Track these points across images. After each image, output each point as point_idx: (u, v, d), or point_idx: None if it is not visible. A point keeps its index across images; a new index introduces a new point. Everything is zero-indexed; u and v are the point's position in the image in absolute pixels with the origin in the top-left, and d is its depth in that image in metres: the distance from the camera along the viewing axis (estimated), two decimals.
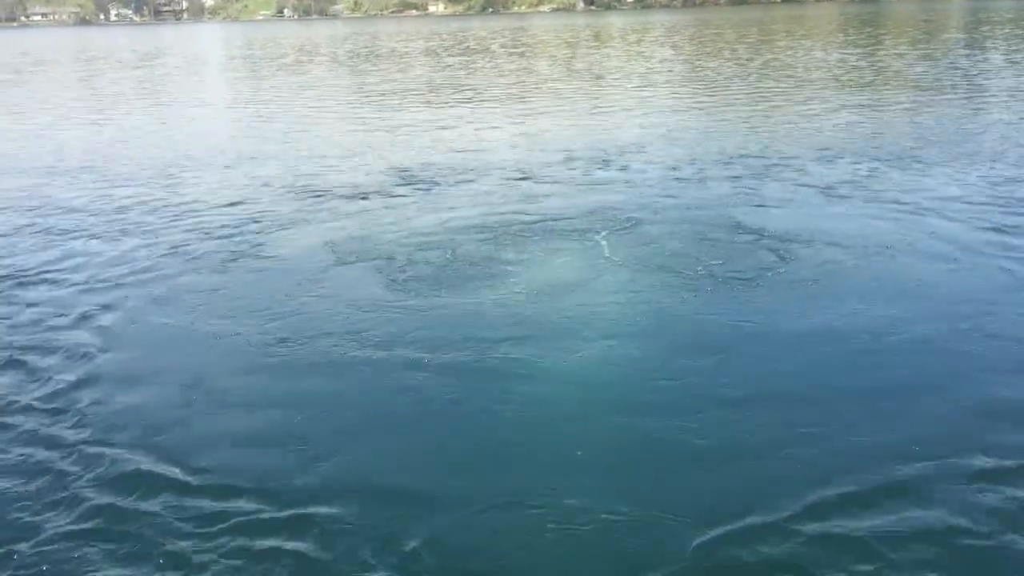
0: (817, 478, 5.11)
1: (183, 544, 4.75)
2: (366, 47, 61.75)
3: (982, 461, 5.25)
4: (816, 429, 5.68)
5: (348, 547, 4.68)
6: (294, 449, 5.65)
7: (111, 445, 5.78)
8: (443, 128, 19.67)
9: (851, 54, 37.52)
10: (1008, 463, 5.23)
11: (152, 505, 5.10)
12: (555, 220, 10.73)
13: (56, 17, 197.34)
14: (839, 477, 5.11)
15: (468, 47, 56.51)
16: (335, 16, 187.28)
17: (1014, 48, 37.17)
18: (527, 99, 25.71)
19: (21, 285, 9.18)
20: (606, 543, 4.64)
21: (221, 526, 4.88)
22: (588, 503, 4.96)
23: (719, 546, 4.58)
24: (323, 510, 4.98)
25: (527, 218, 10.98)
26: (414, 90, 29.38)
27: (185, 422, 6.08)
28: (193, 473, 5.41)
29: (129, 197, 13.24)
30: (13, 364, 7.13)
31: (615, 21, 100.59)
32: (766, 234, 9.82)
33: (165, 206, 12.54)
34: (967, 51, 36.40)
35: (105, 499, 5.18)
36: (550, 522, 4.81)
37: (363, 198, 12.58)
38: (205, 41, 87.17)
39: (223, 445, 5.76)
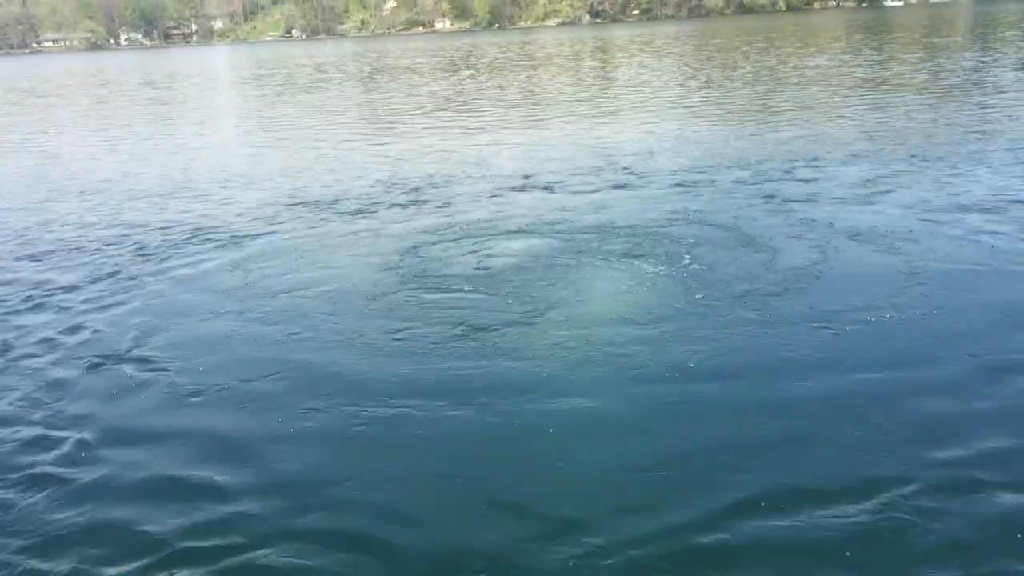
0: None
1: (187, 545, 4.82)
2: (374, 65, 62.10)
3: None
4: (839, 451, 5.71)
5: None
6: (298, 477, 5.72)
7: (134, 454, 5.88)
8: (453, 143, 19.81)
9: (860, 60, 37.49)
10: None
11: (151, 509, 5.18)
12: (572, 232, 10.78)
13: (67, 43, 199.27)
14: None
15: (477, 62, 56.75)
16: (343, 35, 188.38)
17: (1020, 51, 37.07)
18: (537, 113, 25.83)
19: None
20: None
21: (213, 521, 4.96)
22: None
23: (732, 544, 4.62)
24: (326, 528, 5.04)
25: (545, 229, 11.05)
26: (425, 106, 29.56)
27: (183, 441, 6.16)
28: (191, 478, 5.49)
29: (138, 216, 13.43)
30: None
31: (621, 33, 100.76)
32: (787, 240, 9.87)
33: (180, 226, 12.69)
34: (974, 54, 36.34)
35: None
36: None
37: (373, 213, 12.70)
38: (216, 63, 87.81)
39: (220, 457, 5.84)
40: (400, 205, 13.10)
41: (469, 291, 8.67)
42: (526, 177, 14.74)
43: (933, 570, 4.38)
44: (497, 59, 58.77)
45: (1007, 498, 4.93)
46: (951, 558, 4.46)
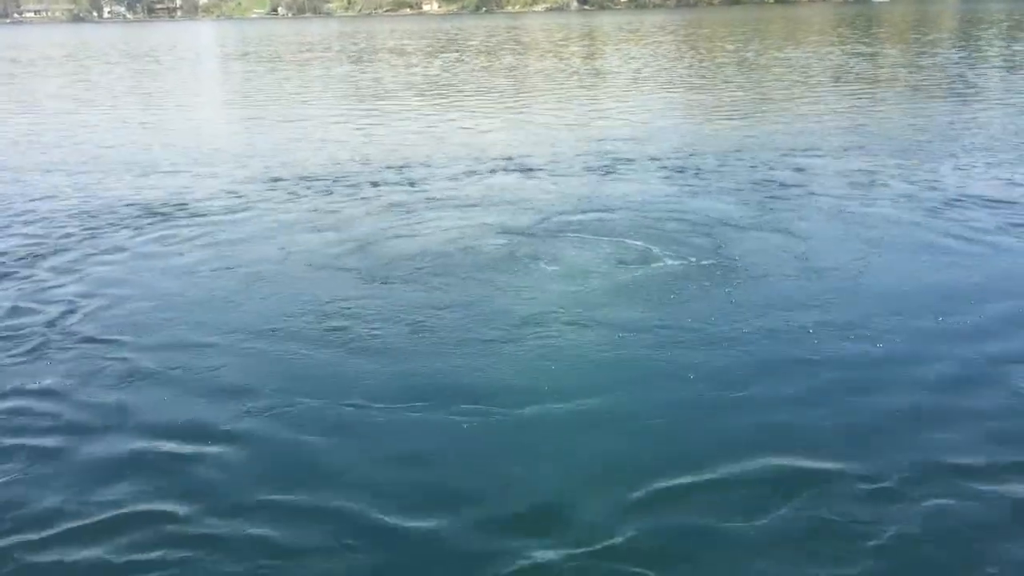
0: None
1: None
2: (360, 45, 61.65)
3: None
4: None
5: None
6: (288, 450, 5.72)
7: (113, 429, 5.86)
8: (435, 125, 19.74)
9: (846, 53, 37.61)
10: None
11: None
12: (550, 217, 10.78)
13: (49, 14, 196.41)
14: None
15: (463, 45, 56.47)
16: (329, 14, 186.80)
17: (1006, 48, 37.33)
18: (521, 97, 25.77)
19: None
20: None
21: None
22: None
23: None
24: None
25: (522, 215, 11.06)
26: (408, 88, 29.41)
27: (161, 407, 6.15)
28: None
29: (109, 190, 13.32)
30: None
31: (609, 20, 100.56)
32: (760, 230, 9.93)
33: (156, 201, 12.58)
34: (960, 50, 36.55)
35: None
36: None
37: (351, 194, 12.65)
38: (201, 39, 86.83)
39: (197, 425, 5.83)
40: (379, 185, 13.04)
41: (441, 275, 8.64)
42: (509, 159, 14.73)
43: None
44: (484, 43, 58.49)
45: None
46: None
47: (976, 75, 26.38)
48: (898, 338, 6.93)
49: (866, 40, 46.59)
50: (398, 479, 5.19)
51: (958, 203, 10.99)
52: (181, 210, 11.79)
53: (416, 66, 39.08)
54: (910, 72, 28.13)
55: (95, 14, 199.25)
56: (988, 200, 11.11)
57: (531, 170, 13.79)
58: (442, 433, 5.68)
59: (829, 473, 5.11)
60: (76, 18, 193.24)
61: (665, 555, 4.48)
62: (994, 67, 29.16)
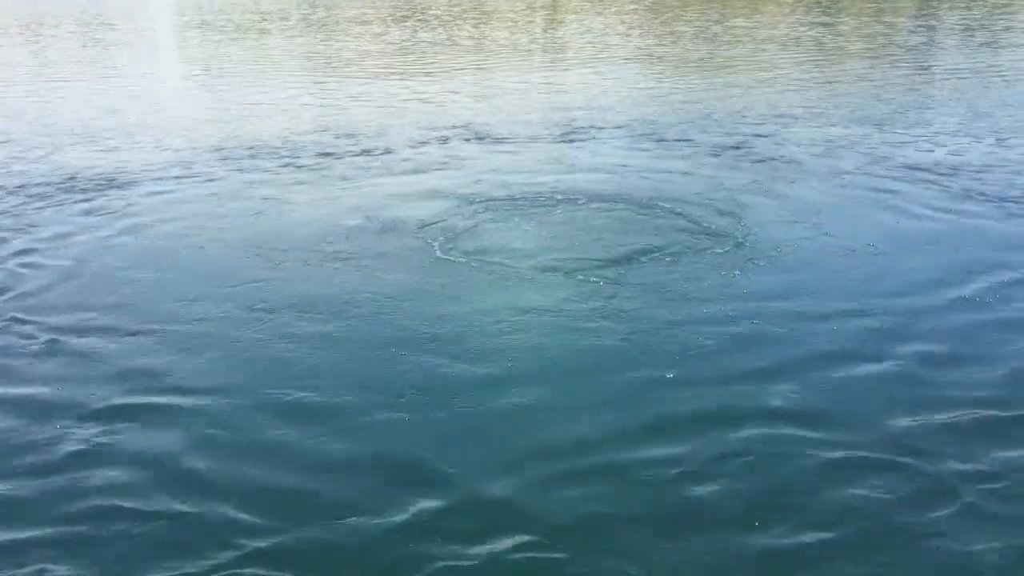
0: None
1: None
2: (319, 13, 60.65)
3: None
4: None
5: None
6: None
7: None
8: (395, 96, 19.46)
9: (812, 23, 37.68)
10: None
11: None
12: (510, 186, 10.69)
13: None
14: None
15: (426, 14, 55.77)
16: None
17: (966, 25, 37.64)
18: (482, 68, 25.52)
19: None
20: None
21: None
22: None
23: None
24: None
25: (487, 184, 10.95)
26: (366, 57, 28.99)
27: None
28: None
29: (50, 160, 13.00)
30: None
31: None
32: (720, 208, 9.92)
33: (110, 174, 12.28)
34: (922, 26, 36.79)
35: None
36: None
37: (306, 166, 12.44)
38: (157, 6, 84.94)
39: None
40: (336, 156, 12.84)
41: (387, 254, 8.50)
42: (466, 128, 14.57)
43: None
44: (447, 11, 57.80)
45: None
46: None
47: (934, 43, 26.57)
48: (861, 305, 6.98)
49: (842, 14, 46.71)
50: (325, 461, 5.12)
51: (916, 170, 11.08)
52: (111, 183, 11.49)
53: (377, 35, 38.50)
54: (868, 43, 28.26)
55: None
56: (930, 166, 11.21)
57: (489, 139, 13.65)
58: (388, 418, 5.62)
59: (789, 440, 5.13)
60: None
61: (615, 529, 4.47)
62: (953, 37, 29.37)
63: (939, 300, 7.11)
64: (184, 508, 4.61)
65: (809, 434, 5.19)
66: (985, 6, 41.72)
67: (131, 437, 5.28)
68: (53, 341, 6.62)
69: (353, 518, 4.51)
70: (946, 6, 44.97)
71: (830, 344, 6.34)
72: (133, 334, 6.72)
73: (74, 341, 6.62)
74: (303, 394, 5.76)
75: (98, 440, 5.28)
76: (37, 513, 4.62)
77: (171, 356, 6.34)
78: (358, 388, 5.82)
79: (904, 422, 5.34)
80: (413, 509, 4.60)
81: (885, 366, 6.02)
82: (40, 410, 5.67)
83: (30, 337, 6.73)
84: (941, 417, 5.38)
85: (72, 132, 15.11)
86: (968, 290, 7.26)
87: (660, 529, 4.42)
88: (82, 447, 5.22)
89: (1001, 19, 34.73)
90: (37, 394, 5.91)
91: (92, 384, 5.96)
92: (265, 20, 54.91)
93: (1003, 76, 19.16)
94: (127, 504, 4.67)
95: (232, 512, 4.58)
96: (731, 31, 34.47)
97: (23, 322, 7.03)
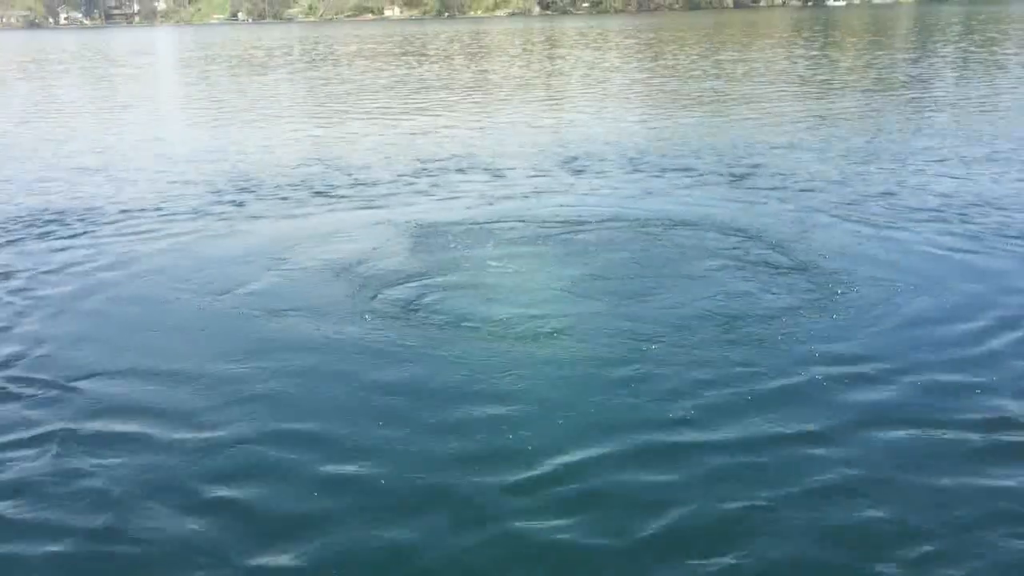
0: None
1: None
2: (320, 50, 61.30)
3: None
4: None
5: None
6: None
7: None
8: (398, 130, 19.63)
9: (802, 56, 38.12)
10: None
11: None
12: (510, 221, 10.68)
13: (4, 21, 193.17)
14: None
15: (425, 50, 56.39)
16: (290, 20, 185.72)
17: (960, 51, 38.07)
18: (486, 101, 25.77)
19: None
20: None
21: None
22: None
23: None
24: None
25: (489, 214, 11.00)
26: (363, 92, 29.28)
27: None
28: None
29: (47, 195, 13.08)
30: None
31: (571, 25, 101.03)
32: (723, 231, 10.01)
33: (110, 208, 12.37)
34: (916, 54, 37.22)
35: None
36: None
37: (306, 200, 12.53)
38: (160, 45, 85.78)
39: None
40: (334, 189, 12.92)
41: (403, 281, 8.49)
42: (469, 160, 14.69)
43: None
44: (445, 48, 58.46)
45: None
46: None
47: (927, 75, 26.86)
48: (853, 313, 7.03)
49: (829, 44, 47.28)
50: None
51: (917, 201, 11.19)
52: (98, 217, 11.49)
53: (376, 71, 38.91)
54: (861, 73, 28.56)
55: (51, 20, 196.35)
56: (928, 192, 11.31)
57: (488, 170, 13.76)
58: (380, 440, 5.66)
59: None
60: (31, 24, 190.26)
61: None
62: (947, 67, 29.68)
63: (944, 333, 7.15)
64: (160, 530, 4.60)
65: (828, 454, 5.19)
66: (977, 39, 42.19)
67: (101, 463, 5.24)
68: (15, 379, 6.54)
69: (343, 538, 4.52)
70: (936, 40, 45.47)
71: (841, 369, 6.35)
72: (113, 371, 6.68)
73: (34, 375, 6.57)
74: (296, 425, 5.74)
75: (73, 465, 5.25)
76: (37, 534, 4.61)
77: (151, 388, 6.31)
78: (352, 417, 5.81)
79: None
80: (402, 530, 4.61)
81: (898, 393, 6.01)
82: (29, 439, 5.63)
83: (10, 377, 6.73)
84: (947, 438, 5.39)
85: (59, 167, 15.15)
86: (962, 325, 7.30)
87: (665, 556, 4.42)
88: (57, 472, 5.20)
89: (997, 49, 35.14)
90: (23, 421, 5.89)
91: (65, 411, 5.94)
92: (266, 56, 55.52)
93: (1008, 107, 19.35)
94: (96, 526, 4.65)
95: (215, 532, 4.57)
96: (720, 65, 34.85)
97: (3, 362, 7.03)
